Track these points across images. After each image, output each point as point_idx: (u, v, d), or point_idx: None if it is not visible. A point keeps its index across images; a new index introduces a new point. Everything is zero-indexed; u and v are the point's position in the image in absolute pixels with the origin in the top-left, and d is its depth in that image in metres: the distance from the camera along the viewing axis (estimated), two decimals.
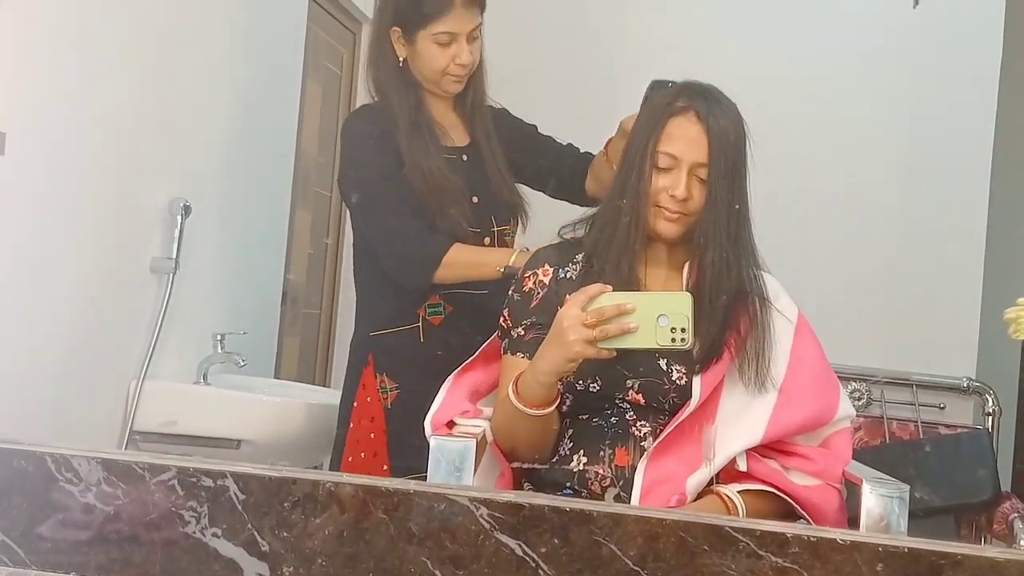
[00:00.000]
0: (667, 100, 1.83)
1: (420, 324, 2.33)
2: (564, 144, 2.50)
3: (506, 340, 1.88)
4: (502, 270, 2.17)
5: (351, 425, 2.37)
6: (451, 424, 1.81)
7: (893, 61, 3.46)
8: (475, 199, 2.33)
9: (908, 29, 3.53)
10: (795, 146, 3.32)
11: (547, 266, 1.89)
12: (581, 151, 2.49)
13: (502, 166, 2.40)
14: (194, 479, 1.04)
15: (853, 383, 2.75)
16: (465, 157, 2.38)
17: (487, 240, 2.33)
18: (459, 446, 1.65)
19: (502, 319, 1.90)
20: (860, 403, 3.06)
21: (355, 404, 2.38)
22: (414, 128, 2.31)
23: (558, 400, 1.75)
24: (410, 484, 1.04)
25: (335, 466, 2.39)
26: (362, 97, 3.91)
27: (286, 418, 2.63)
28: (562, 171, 2.47)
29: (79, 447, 1.07)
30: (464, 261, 2.24)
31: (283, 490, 1.03)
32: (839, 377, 1.93)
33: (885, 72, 3.52)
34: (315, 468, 3.56)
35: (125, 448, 2.46)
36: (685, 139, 1.78)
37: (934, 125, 3.40)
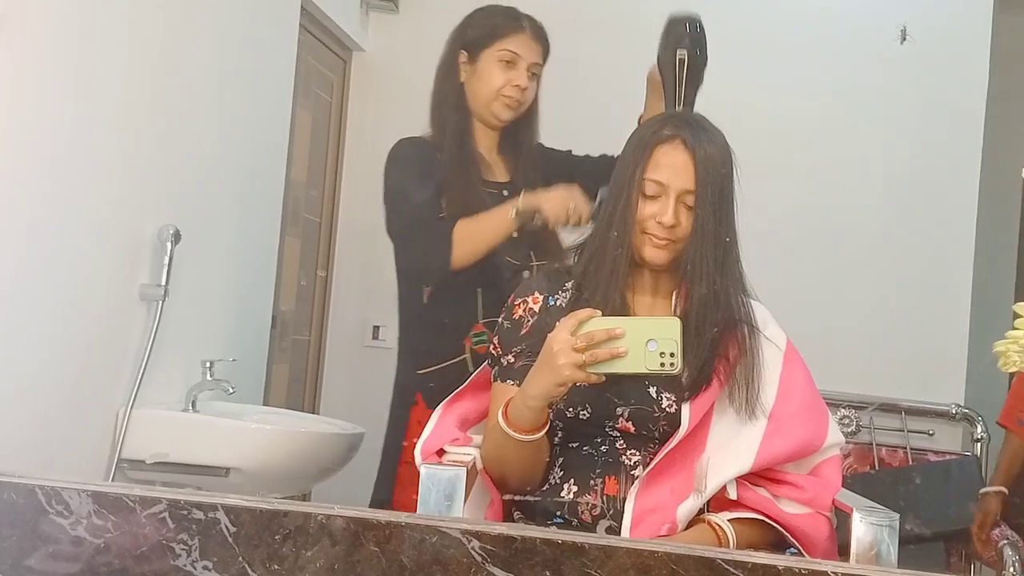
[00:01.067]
0: (654, 129, 1.84)
1: (468, 355, 2.35)
2: (598, 157, 2.51)
3: (496, 368, 1.88)
4: (513, 214, 2.19)
5: (407, 463, 2.37)
6: (441, 452, 1.81)
7: (881, 95, 3.50)
8: (515, 234, 2.34)
9: (895, 64, 3.58)
10: (785, 178, 3.34)
11: (537, 294, 1.89)
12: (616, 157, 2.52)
13: None
14: (185, 511, 1.03)
15: (842, 410, 2.76)
16: (506, 193, 2.41)
17: (526, 275, 2.35)
18: (449, 474, 1.65)
19: (491, 347, 1.90)
20: (849, 430, 3.06)
21: (406, 444, 2.38)
22: (460, 157, 2.37)
23: (547, 426, 1.75)
24: (402, 516, 1.04)
25: (381, 505, 2.39)
26: (353, 124, 3.95)
27: (276, 446, 2.61)
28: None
29: (70, 479, 1.06)
30: (473, 230, 2.27)
31: (274, 522, 1.03)
32: (828, 404, 1.94)
33: (873, 106, 3.56)
34: (304, 496, 3.55)
35: (113, 476, 2.44)
36: (672, 167, 1.79)
37: (921, 157, 3.43)
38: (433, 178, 2.35)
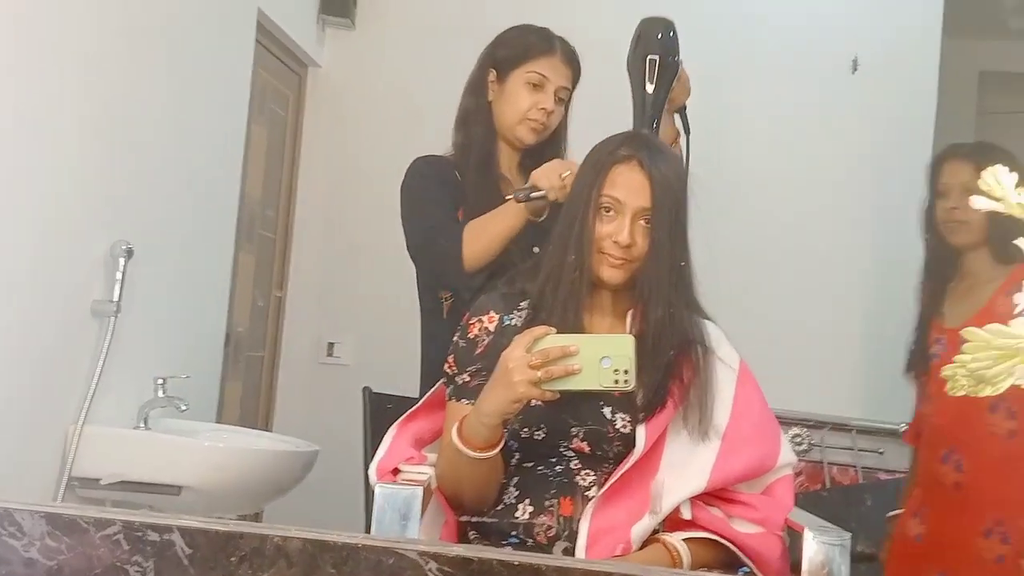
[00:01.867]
0: (610, 149, 1.85)
1: None
2: None
3: (451, 387, 1.88)
4: (520, 196, 2.17)
5: None
6: (396, 472, 1.80)
7: (834, 119, 3.57)
8: (535, 249, 2.33)
9: (848, 90, 3.65)
10: (738, 200, 3.38)
11: (493, 313, 1.89)
12: None
13: None
14: (140, 533, 1.03)
15: (794, 428, 2.79)
16: None
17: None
18: (405, 494, 1.64)
19: (447, 365, 1.90)
20: (801, 448, 3.09)
21: None
22: (482, 176, 2.35)
23: (501, 443, 1.75)
24: (358, 537, 1.03)
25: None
26: (308, 140, 3.95)
27: (228, 464, 2.60)
28: None
29: (22, 500, 1.05)
30: (481, 224, 2.24)
31: (230, 544, 1.02)
32: (780, 423, 1.96)
33: (827, 130, 3.62)
34: (257, 515, 3.53)
35: (63, 494, 2.42)
36: (629, 186, 1.80)
37: (872, 181, 3.49)
38: (451, 195, 2.33)
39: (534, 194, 2.16)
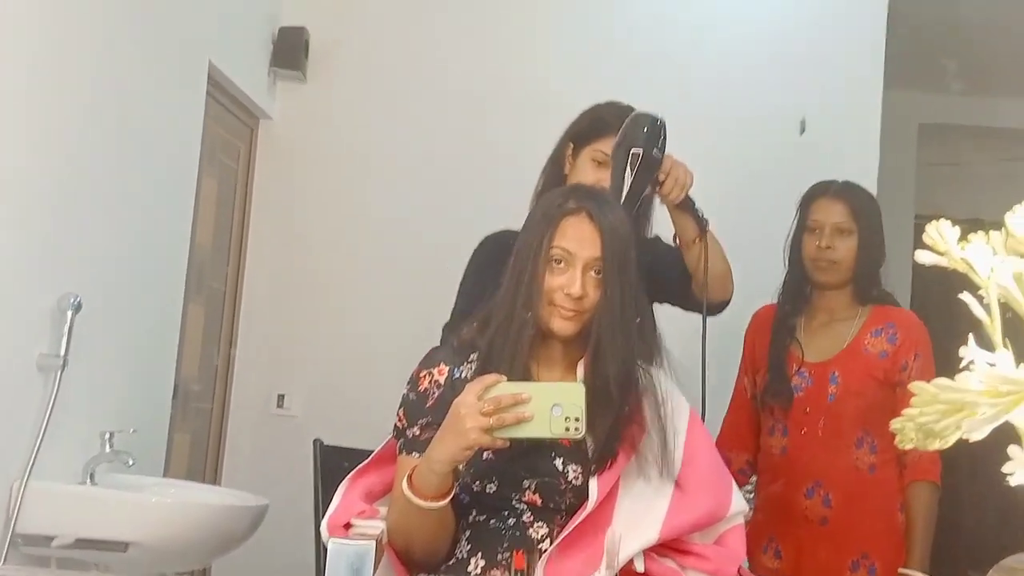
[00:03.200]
0: (558, 201, 1.86)
1: None
2: (675, 246, 2.46)
3: (401, 440, 1.87)
4: None
5: None
6: (348, 526, 1.79)
7: (782, 181, 3.63)
8: None
9: (795, 152, 3.72)
10: None
11: (443, 365, 1.89)
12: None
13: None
14: None
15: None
16: None
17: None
18: (358, 549, 1.63)
19: (397, 419, 1.89)
20: (752, 495, 3.10)
21: None
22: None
23: (452, 493, 1.73)
24: None
25: None
26: (259, 192, 3.94)
27: (175, 520, 2.57)
28: (673, 278, 2.46)
29: None
30: None
31: None
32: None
33: (774, 185, 3.68)
34: (205, 571, 3.48)
35: (7, 552, 2.37)
36: (579, 237, 1.81)
37: None
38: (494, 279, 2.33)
39: None
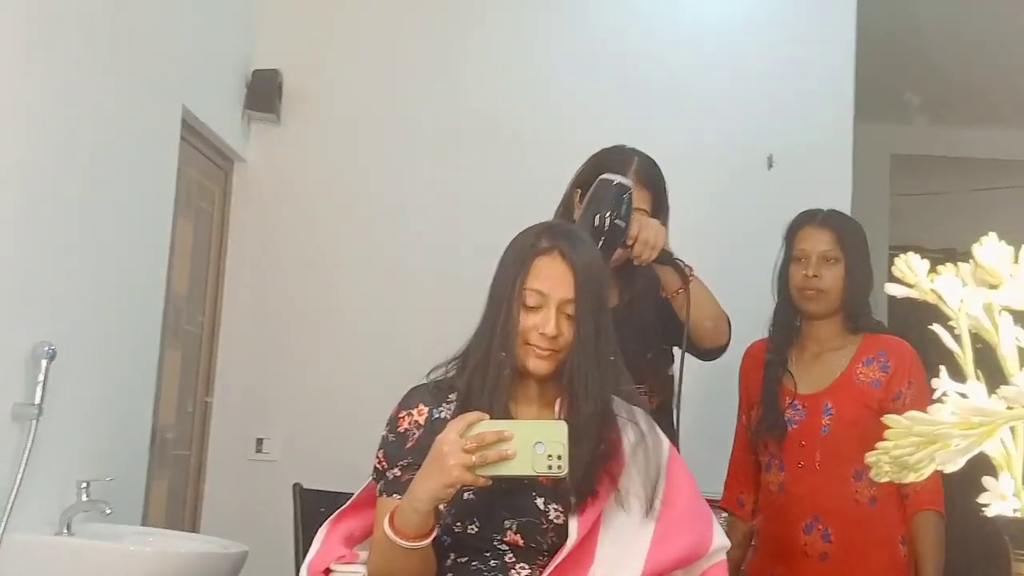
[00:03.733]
0: (531, 241, 1.86)
1: None
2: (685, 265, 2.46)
3: (381, 482, 1.86)
4: None
5: None
6: (328, 571, 1.78)
7: (751, 217, 3.65)
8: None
9: (767, 187, 3.74)
10: None
11: (422, 406, 1.88)
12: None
13: (648, 326, 2.43)
14: None
15: (725, 512, 2.79)
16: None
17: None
18: None
19: (377, 461, 1.88)
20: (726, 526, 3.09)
21: None
22: None
23: (433, 533, 1.72)
24: None
25: None
26: (235, 235, 3.93)
27: (154, 569, 2.54)
28: (670, 328, 2.46)
29: None
30: None
31: None
32: (711, 506, 1.97)
33: (744, 217, 3.70)
34: None
35: None
36: (552, 277, 1.82)
37: None
38: None
39: None
